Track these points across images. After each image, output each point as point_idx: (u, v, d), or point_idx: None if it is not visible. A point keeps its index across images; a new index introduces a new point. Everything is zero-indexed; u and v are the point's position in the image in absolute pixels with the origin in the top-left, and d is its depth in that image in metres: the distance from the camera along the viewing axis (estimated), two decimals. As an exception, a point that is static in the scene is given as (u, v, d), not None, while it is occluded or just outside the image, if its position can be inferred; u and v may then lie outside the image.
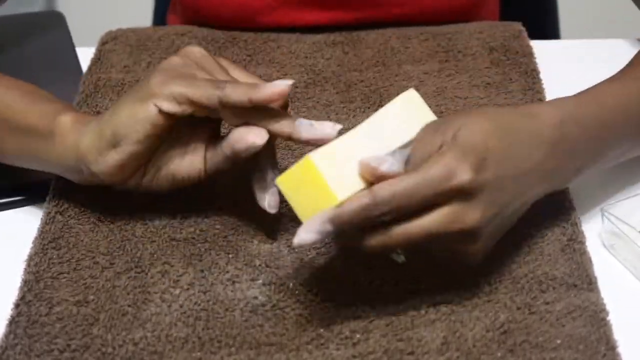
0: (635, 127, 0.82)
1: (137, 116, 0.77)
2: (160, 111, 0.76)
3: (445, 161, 0.70)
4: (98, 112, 0.95)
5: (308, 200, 0.72)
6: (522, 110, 0.78)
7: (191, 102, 0.76)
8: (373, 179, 0.71)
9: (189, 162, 0.79)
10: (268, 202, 0.79)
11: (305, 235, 0.70)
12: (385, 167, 0.71)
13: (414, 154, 0.73)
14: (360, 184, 0.72)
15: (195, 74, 0.77)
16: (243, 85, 0.76)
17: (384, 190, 0.69)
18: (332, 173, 0.71)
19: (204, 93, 0.75)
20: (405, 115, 0.75)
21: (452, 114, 0.94)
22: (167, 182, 0.80)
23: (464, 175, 0.70)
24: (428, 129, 0.74)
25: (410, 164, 0.72)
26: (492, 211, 0.72)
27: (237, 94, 0.75)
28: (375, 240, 0.71)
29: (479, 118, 0.74)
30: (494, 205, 0.72)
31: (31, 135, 0.82)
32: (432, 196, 0.70)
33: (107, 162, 0.78)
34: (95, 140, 0.78)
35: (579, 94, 0.81)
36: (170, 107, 0.76)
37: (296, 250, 0.80)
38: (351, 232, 0.71)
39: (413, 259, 0.75)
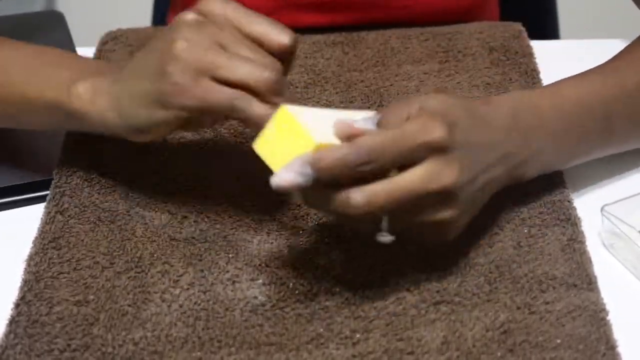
0: (599, 122, 0.83)
1: (155, 119, 0.77)
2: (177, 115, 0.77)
3: (420, 120, 0.72)
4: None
5: (286, 153, 0.71)
6: (478, 100, 0.85)
7: (206, 113, 0.77)
8: (348, 135, 0.71)
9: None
10: None
11: (285, 174, 0.70)
12: (360, 124, 0.72)
13: (384, 120, 0.74)
14: (331, 139, 0.72)
15: (214, 64, 0.75)
16: (258, 113, 0.74)
17: (364, 140, 0.71)
18: (306, 121, 0.71)
19: (219, 108, 0.75)
20: None
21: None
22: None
23: (438, 131, 0.71)
24: (393, 104, 0.76)
25: (382, 127, 0.74)
26: (468, 173, 0.73)
27: (250, 121, 0.75)
28: (361, 194, 0.70)
29: (441, 94, 0.77)
30: (468, 168, 0.73)
31: (47, 108, 0.83)
32: (409, 150, 0.71)
33: (134, 138, 0.80)
34: (120, 126, 0.80)
35: (543, 86, 0.85)
36: (185, 114, 0.76)
37: (294, 246, 0.81)
38: (331, 192, 0.71)
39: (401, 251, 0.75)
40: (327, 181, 0.70)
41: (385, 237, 0.73)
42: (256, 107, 0.74)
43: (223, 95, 0.74)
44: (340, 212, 0.71)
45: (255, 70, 0.74)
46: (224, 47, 0.75)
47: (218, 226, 0.83)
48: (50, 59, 0.86)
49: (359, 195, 0.70)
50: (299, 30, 1.07)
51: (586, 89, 0.84)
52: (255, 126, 0.74)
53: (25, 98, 0.84)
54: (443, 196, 0.72)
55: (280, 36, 0.76)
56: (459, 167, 0.72)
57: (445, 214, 0.73)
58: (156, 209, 0.85)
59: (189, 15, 0.77)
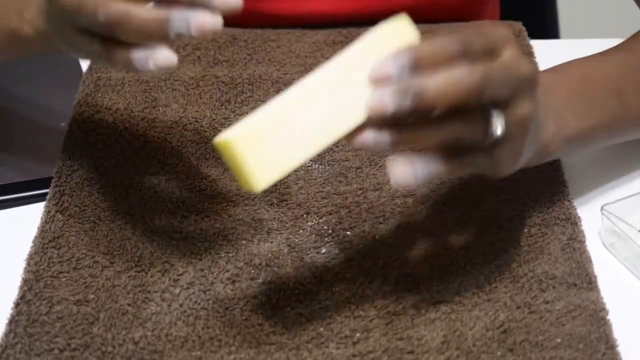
0: (610, 96, 0.82)
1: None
2: None
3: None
4: (98, 112, 0.95)
5: (238, 172, 0.67)
6: None
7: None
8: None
9: None
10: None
11: (384, 67, 0.67)
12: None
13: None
14: (293, 161, 0.68)
15: None
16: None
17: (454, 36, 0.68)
18: (257, 156, 0.66)
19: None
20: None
21: None
22: None
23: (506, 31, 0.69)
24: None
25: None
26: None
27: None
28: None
29: None
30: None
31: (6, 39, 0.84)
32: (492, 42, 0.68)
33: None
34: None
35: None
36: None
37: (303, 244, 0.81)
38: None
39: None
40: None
41: (498, 128, 0.69)
42: None
43: None
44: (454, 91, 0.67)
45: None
46: None
47: (218, 226, 0.83)
48: None
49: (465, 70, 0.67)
50: (300, 17, 1.07)
51: (590, 66, 0.84)
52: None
53: None
54: (528, 84, 0.69)
55: None
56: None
57: (527, 106, 0.70)
58: (156, 209, 0.85)
59: None
